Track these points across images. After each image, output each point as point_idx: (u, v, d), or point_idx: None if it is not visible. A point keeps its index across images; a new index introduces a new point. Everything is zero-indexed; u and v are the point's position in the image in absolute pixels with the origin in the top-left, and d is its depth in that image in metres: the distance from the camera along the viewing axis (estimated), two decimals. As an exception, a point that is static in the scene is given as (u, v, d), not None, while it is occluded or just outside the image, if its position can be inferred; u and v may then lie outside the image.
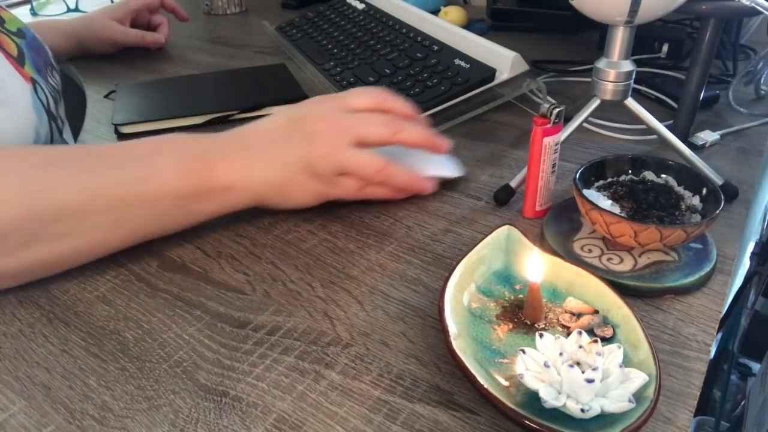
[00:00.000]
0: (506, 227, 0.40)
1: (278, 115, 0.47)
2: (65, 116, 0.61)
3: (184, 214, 0.44)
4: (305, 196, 0.46)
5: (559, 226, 0.45)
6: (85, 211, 0.39)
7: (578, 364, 0.30)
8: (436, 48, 0.68)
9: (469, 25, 0.94)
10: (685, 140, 0.56)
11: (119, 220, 0.41)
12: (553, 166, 0.46)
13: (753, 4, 0.43)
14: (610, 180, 0.45)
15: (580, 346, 0.31)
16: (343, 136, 0.45)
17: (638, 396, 0.29)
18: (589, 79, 0.50)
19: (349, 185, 0.46)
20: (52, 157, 0.41)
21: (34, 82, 0.54)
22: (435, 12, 0.89)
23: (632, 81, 0.48)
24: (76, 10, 1.14)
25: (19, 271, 0.40)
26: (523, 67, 0.62)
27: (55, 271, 0.42)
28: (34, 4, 1.15)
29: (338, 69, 0.72)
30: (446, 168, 0.52)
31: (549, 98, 0.61)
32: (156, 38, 0.89)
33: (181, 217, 0.44)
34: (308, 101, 0.49)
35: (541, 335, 0.32)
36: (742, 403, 1.03)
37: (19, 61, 0.53)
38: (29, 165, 0.39)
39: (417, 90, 0.63)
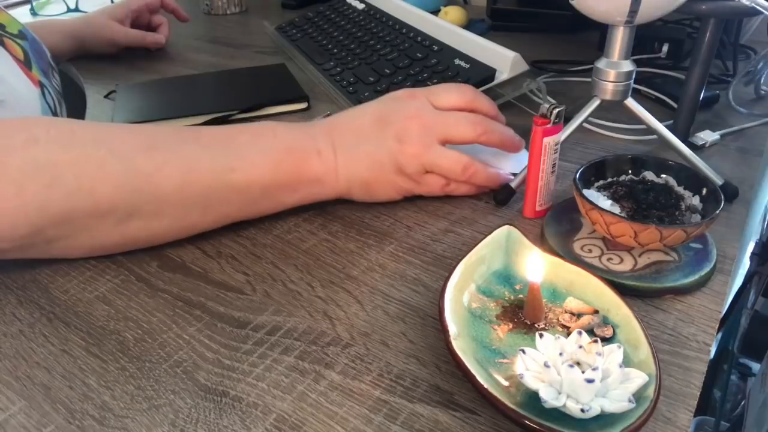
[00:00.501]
0: (506, 227, 0.40)
1: (369, 108, 0.48)
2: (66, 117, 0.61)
3: (270, 202, 0.46)
4: (390, 192, 0.48)
5: (559, 226, 0.45)
6: (181, 194, 0.41)
7: (578, 364, 0.30)
8: (436, 48, 0.68)
9: (469, 25, 0.94)
10: (685, 140, 0.56)
11: (210, 204, 0.43)
12: (553, 166, 0.46)
13: (753, 4, 0.43)
14: (610, 180, 0.45)
15: (580, 346, 0.31)
16: (432, 135, 0.46)
17: (638, 396, 0.29)
18: (589, 79, 0.50)
19: (435, 182, 0.48)
20: (155, 140, 0.43)
21: (41, 85, 0.54)
22: (435, 12, 0.89)
23: (632, 81, 0.48)
24: (76, 10, 1.14)
25: (118, 244, 0.43)
26: (523, 67, 0.62)
27: (150, 245, 0.44)
28: (34, 4, 1.15)
29: (338, 69, 0.72)
30: (517, 164, 0.52)
31: (549, 98, 0.61)
32: (156, 38, 0.89)
33: (267, 205, 0.46)
34: (396, 95, 0.49)
35: (541, 335, 0.32)
36: (742, 403, 1.03)
37: (26, 64, 0.53)
38: (135, 147, 0.41)
39: (417, 90, 0.63)
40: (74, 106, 0.71)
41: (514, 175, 0.50)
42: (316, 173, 0.46)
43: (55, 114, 0.55)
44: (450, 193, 0.49)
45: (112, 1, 1.13)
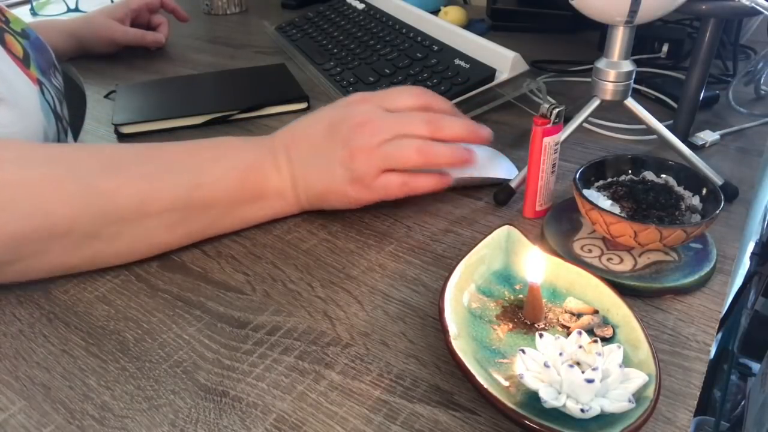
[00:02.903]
0: (506, 227, 0.40)
1: (322, 115, 0.47)
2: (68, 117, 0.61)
3: (235, 219, 0.46)
4: (346, 203, 0.46)
5: (559, 226, 0.45)
6: (143, 214, 0.41)
7: (578, 364, 0.30)
8: (436, 48, 0.68)
9: (469, 25, 0.94)
10: (685, 140, 0.56)
11: (176, 222, 0.42)
12: (553, 166, 0.46)
13: (753, 4, 0.43)
14: (610, 180, 0.45)
15: (580, 346, 0.31)
16: (382, 136, 0.45)
17: (638, 396, 0.29)
18: (589, 79, 0.50)
19: (392, 183, 0.45)
20: (116, 159, 0.42)
21: (40, 83, 0.53)
22: (435, 12, 0.89)
23: (632, 81, 0.48)
24: (76, 10, 1.14)
25: (82, 264, 0.42)
26: (523, 67, 0.62)
27: (114, 264, 0.43)
28: (34, 4, 1.15)
29: (338, 69, 0.72)
30: (502, 170, 0.52)
31: (549, 98, 0.61)
32: (156, 38, 0.89)
33: (231, 222, 0.46)
34: (350, 100, 0.48)
35: (541, 335, 0.32)
36: (742, 403, 1.03)
37: (24, 62, 0.53)
38: (95, 166, 0.41)
39: (417, 90, 0.63)
40: (74, 106, 0.71)
41: (508, 181, 0.50)
42: (277, 188, 0.46)
43: (55, 112, 0.55)
44: (412, 192, 0.46)
45: (111, 1, 1.13)
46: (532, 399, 0.30)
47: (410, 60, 0.68)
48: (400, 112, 0.46)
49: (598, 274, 0.37)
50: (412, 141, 0.45)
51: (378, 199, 0.46)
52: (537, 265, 0.36)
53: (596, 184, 0.44)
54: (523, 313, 0.36)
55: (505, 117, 0.65)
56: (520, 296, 0.38)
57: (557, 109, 0.43)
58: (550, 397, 0.29)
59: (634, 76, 0.48)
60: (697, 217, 0.41)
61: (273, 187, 0.45)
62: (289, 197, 0.46)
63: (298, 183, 0.46)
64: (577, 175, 0.43)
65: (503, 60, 0.62)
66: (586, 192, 0.42)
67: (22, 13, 1.13)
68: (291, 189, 0.46)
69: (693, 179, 0.43)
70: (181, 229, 0.43)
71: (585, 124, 0.55)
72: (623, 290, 0.37)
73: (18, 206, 0.37)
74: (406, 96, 0.48)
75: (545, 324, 0.35)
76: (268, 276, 0.42)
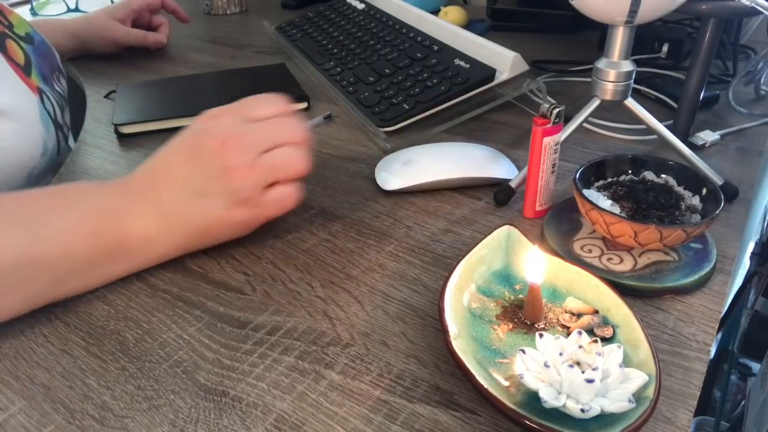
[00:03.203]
0: (506, 227, 0.40)
1: (177, 143, 0.42)
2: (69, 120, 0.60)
3: (88, 278, 0.40)
4: (236, 231, 0.43)
5: (559, 226, 0.45)
6: None
7: (578, 364, 0.30)
8: (436, 48, 0.68)
9: (469, 25, 0.94)
10: (685, 140, 0.56)
11: (10, 285, 0.36)
12: (553, 166, 0.46)
13: (753, 4, 0.43)
14: (610, 180, 0.45)
15: (580, 346, 0.31)
16: (256, 148, 0.41)
17: (638, 396, 0.29)
18: (589, 79, 0.50)
19: (285, 193, 0.42)
20: None
21: (40, 92, 0.53)
22: (435, 12, 0.89)
23: (632, 81, 0.48)
24: (76, 10, 1.14)
25: None
26: (523, 67, 0.62)
27: None
28: (34, 4, 1.15)
29: (338, 69, 0.72)
30: (502, 170, 0.52)
31: (549, 98, 0.61)
32: (158, 38, 0.89)
33: (84, 282, 0.40)
34: (204, 120, 0.43)
35: (541, 335, 0.32)
36: (742, 403, 1.03)
37: (25, 70, 0.52)
38: None
39: (417, 90, 0.63)
40: (74, 106, 0.71)
41: (508, 181, 0.50)
42: (142, 236, 0.40)
43: (55, 122, 0.54)
44: (300, 201, 0.43)
45: (112, 1, 1.13)
46: (532, 399, 0.30)
47: (410, 60, 0.68)
48: (263, 121, 0.42)
49: (598, 274, 0.37)
50: (293, 149, 0.42)
51: (272, 217, 0.43)
52: (537, 265, 0.36)
53: (596, 184, 0.44)
54: (523, 313, 0.36)
55: (505, 117, 0.65)
56: (520, 296, 0.38)
57: (557, 109, 0.43)
58: (550, 397, 0.29)
59: (634, 76, 0.48)
60: (697, 217, 0.41)
61: (136, 235, 0.40)
62: (159, 244, 0.41)
63: (172, 225, 0.41)
64: (577, 175, 0.43)
65: (503, 60, 0.62)
66: (586, 192, 0.42)
67: (22, 13, 1.13)
68: (163, 234, 0.41)
69: (693, 179, 0.43)
70: (15, 294, 0.37)
71: (585, 124, 0.55)
72: (623, 290, 0.37)
73: None
74: (264, 104, 0.44)
75: (545, 324, 0.35)
76: (268, 276, 0.42)
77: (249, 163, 0.40)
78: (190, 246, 0.43)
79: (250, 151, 0.40)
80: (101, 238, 0.39)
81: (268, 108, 0.44)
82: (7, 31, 0.54)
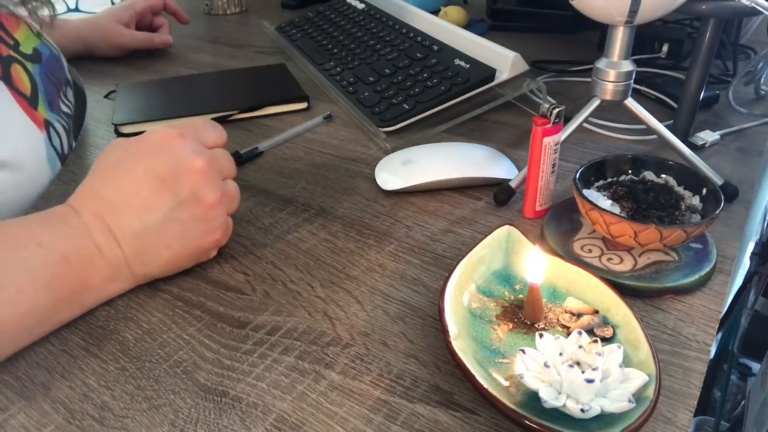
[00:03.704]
0: (506, 227, 0.40)
1: (137, 169, 0.39)
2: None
3: (51, 324, 0.37)
4: (201, 258, 0.42)
5: (559, 226, 0.45)
6: None
7: (578, 364, 0.30)
8: (436, 48, 0.68)
9: (469, 25, 0.94)
10: (685, 140, 0.56)
11: None
12: (553, 166, 0.46)
13: (753, 4, 0.43)
14: (610, 180, 0.45)
15: (580, 346, 0.31)
16: (218, 176, 0.41)
17: (638, 396, 0.29)
18: (589, 79, 0.50)
19: (230, 222, 0.43)
20: None
21: (47, 125, 0.51)
22: (435, 12, 0.89)
23: (632, 81, 0.48)
24: (76, 10, 1.14)
25: None
26: (523, 67, 0.62)
27: None
28: (34, 4, 1.15)
29: (338, 69, 0.72)
30: (502, 170, 0.52)
31: (549, 98, 0.61)
32: (164, 39, 0.89)
33: (46, 329, 0.37)
34: (159, 142, 0.39)
35: (541, 335, 0.32)
36: (742, 403, 1.03)
37: (32, 101, 0.50)
38: None
39: (417, 90, 0.63)
40: (75, 106, 0.71)
41: (508, 181, 0.50)
42: (105, 275, 0.38)
43: (62, 155, 0.53)
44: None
45: (113, 1, 1.13)
46: (532, 399, 0.30)
47: (410, 60, 0.68)
48: (213, 149, 0.42)
49: (598, 274, 0.37)
50: (233, 181, 0.43)
51: (224, 237, 0.43)
52: (537, 265, 0.36)
53: (596, 184, 0.44)
54: (523, 313, 0.36)
55: (505, 117, 0.65)
56: (520, 296, 0.38)
57: (557, 109, 0.43)
58: (550, 397, 0.29)
59: (634, 76, 0.48)
60: (697, 217, 0.41)
61: (99, 274, 0.37)
62: (122, 277, 0.39)
63: (131, 259, 0.39)
64: (577, 175, 0.43)
65: (503, 60, 0.62)
66: (586, 192, 0.42)
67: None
68: (123, 267, 0.39)
69: (693, 179, 0.43)
70: None
71: (585, 124, 0.55)
72: (623, 290, 0.37)
73: None
74: (217, 132, 0.43)
75: (545, 324, 0.35)
76: (268, 276, 0.42)
77: (221, 195, 0.40)
78: (152, 277, 0.41)
79: (218, 179, 0.40)
80: (61, 287, 0.36)
81: (216, 134, 0.43)
82: (12, 53, 0.51)
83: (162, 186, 0.38)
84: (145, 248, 0.39)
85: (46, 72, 0.54)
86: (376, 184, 0.52)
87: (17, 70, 0.50)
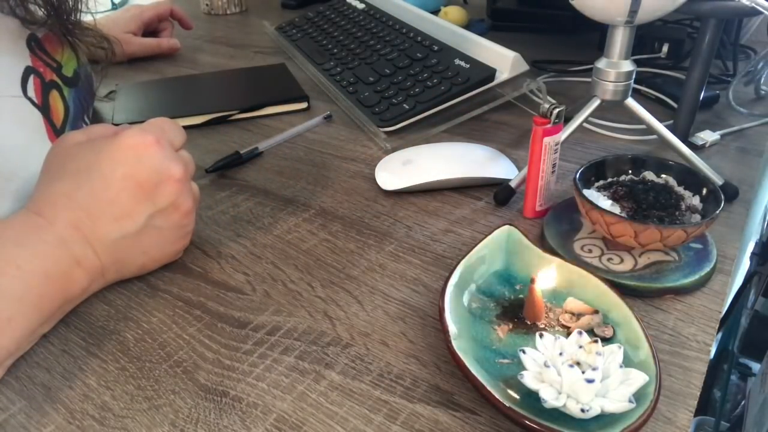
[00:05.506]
0: (506, 227, 0.40)
1: (113, 176, 0.37)
2: None
3: (26, 345, 0.36)
4: (170, 259, 0.43)
5: (559, 226, 0.45)
6: None
7: (578, 364, 0.30)
8: (436, 48, 0.68)
9: (469, 25, 0.94)
10: (685, 140, 0.56)
11: None
12: (553, 166, 0.46)
13: (753, 4, 0.43)
14: (610, 180, 0.45)
15: (580, 346, 0.31)
16: (188, 182, 0.41)
17: (638, 396, 0.29)
18: (589, 79, 0.50)
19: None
20: None
21: None
22: (435, 12, 0.89)
23: (632, 81, 0.48)
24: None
25: None
26: (523, 67, 0.62)
27: None
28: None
29: (338, 69, 0.72)
30: (502, 170, 0.52)
31: (549, 98, 0.61)
32: (172, 44, 0.88)
33: (29, 344, 0.36)
34: (134, 144, 0.38)
35: (541, 335, 0.32)
36: (742, 403, 1.03)
37: (60, 132, 0.48)
38: None
39: (417, 90, 0.63)
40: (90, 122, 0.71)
41: (508, 181, 0.50)
42: (84, 285, 0.38)
43: None
44: None
45: (114, 4, 1.13)
46: (532, 399, 0.30)
47: (410, 60, 0.68)
48: (179, 152, 0.42)
49: (598, 274, 0.37)
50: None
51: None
52: (537, 265, 0.36)
53: (596, 184, 0.44)
54: (523, 313, 0.36)
55: (505, 117, 0.65)
56: (520, 296, 0.38)
57: (557, 109, 0.43)
58: (550, 397, 0.29)
59: (634, 76, 0.48)
60: (697, 217, 0.41)
61: (78, 286, 0.37)
62: (94, 285, 0.39)
63: (107, 267, 0.39)
64: (577, 175, 0.43)
65: (503, 60, 0.62)
66: (586, 192, 0.42)
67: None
68: (98, 275, 0.38)
69: (693, 179, 0.43)
70: None
71: (585, 124, 0.55)
72: (623, 290, 0.37)
73: None
74: (179, 134, 0.43)
75: (545, 324, 0.35)
76: (268, 276, 0.42)
77: (190, 197, 0.41)
78: (115, 280, 0.41)
79: (187, 185, 0.41)
80: (47, 304, 0.35)
81: (182, 135, 0.43)
82: (55, 77, 0.49)
83: (141, 194, 0.38)
84: (123, 256, 0.39)
85: (79, 96, 0.53)
86: (376, 184, 0.52)
87: (54, 98, 0.49)
